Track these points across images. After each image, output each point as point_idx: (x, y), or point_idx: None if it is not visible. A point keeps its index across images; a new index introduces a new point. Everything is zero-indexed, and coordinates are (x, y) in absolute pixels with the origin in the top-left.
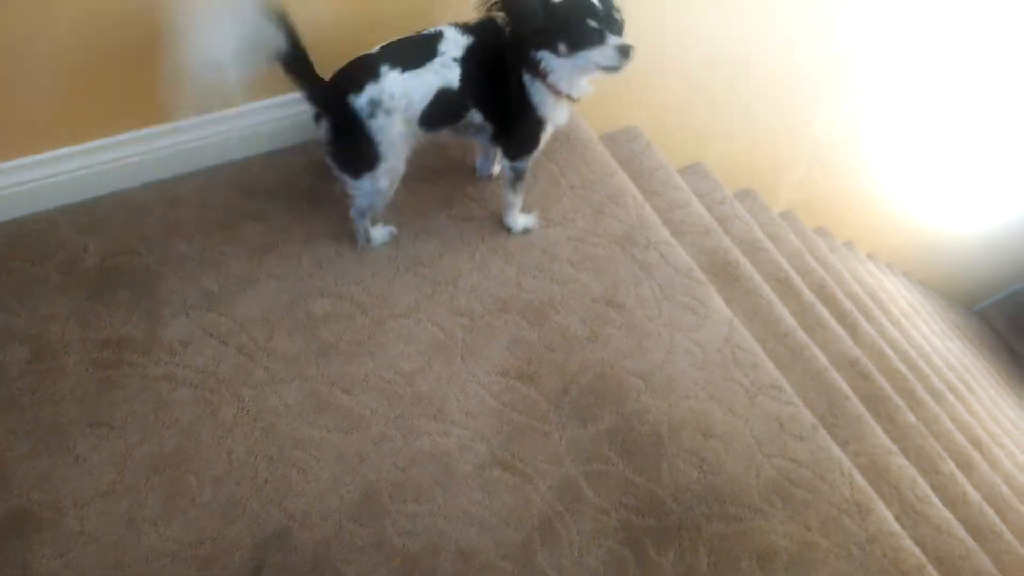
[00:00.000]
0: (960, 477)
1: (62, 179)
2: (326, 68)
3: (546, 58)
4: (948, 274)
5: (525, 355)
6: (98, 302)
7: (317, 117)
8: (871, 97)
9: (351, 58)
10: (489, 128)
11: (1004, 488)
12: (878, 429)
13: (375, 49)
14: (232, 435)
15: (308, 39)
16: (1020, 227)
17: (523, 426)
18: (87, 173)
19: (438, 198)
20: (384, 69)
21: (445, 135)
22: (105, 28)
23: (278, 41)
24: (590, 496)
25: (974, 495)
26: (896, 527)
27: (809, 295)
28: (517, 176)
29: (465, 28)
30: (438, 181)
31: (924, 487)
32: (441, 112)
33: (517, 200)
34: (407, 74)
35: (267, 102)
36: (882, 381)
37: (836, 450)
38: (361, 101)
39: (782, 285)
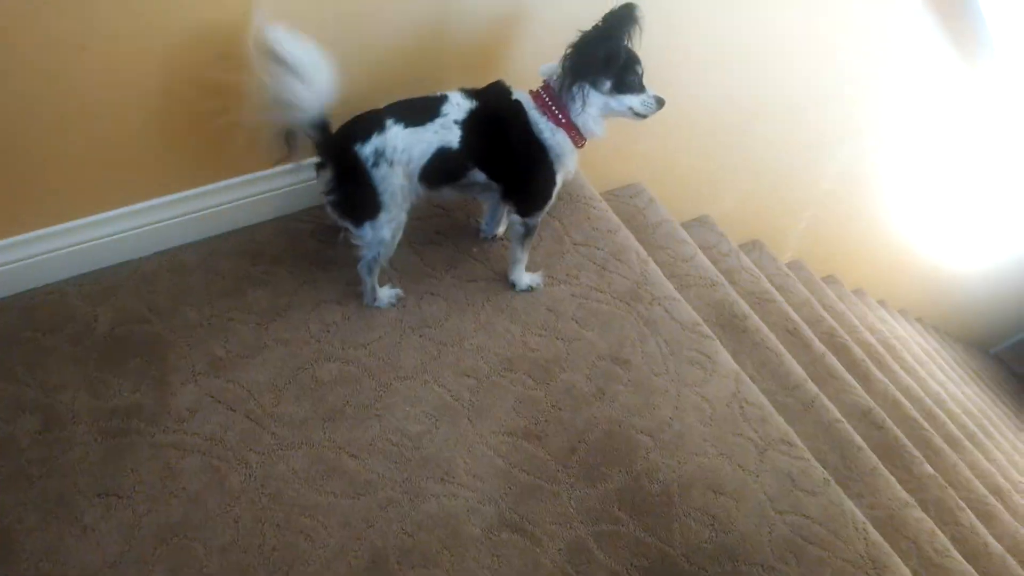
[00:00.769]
0: (981, 528)
1: (71, 251)
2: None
3: (589, 92)
4: (963, 317)
5: (532, 414)
6: (107, 371)
7: (319, 167)
8: (877, 140)
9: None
10: (496, 187)
11: None
12: (893, 481)
13: (382, 106)
14: (239, 502)
15: None
16: None
17: (531, 487)
18: (96, 244)
19: (443, 259)
20: (389, 122)
21: (448, 193)
22: (114, 103)
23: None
24: (601, 558)
25: (996, 547)
26: None
27: (819, 345)
28: (528, 232)
29: (470, 93)
30: (443, 242)
31: (943, 540)
32: (440, 170)
33: (524, 256)
34: (409, 129)
35: (271, 170)
36: (897, 431)
37: (849, 504)
38: (366, 150)
39: (791, 336)
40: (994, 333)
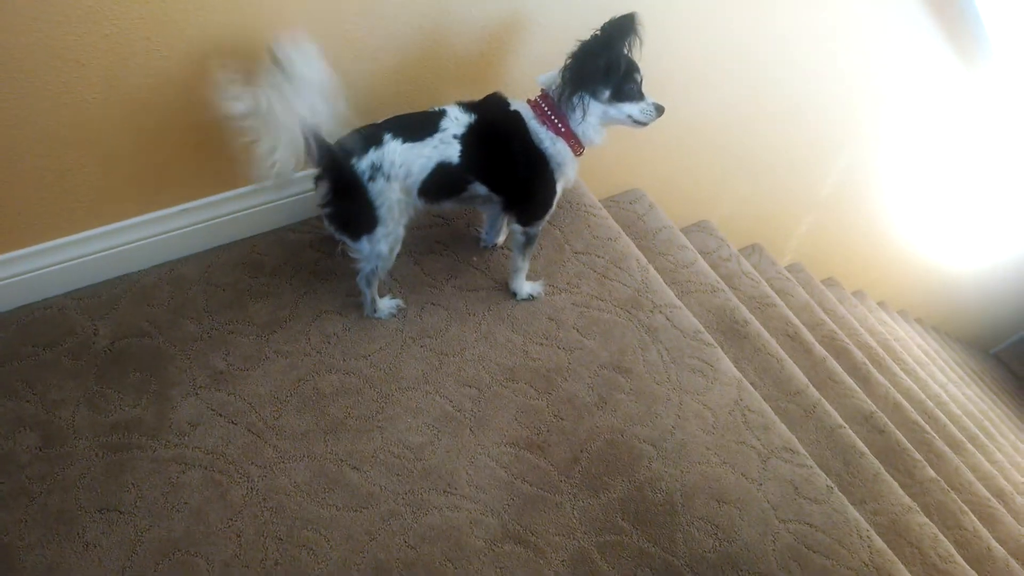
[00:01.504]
0: (984, 532)
1: (70, 265)
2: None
3: (589, 101)
4: (962, 318)
5: (534, 424)
6: (108, 385)
7: (317, 179)
8: (876, 142)
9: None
10: (497, 199)
11: None
12: (896, 486)
13: (380, 120)
14: (241, 516)
15: None
16: None
17: (534, 497)
18: (95, 258)
19: (444, 269)
20: (387, 137)
21: (449, 206)
22: (112, 117)
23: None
24: (604, 568)
25: (999, 550)
26: None
27: (820, 349)
28: (529, 241)
29: (468, 106)
30: (443, 252)
31: (946, 545)
32: (440, 185)
33: (525, 265)
34: (407, 145)
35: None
36: (898, 435)
37: (853, 512)
38: (363, 164)
39: (792, 341)
40: (993, 333)
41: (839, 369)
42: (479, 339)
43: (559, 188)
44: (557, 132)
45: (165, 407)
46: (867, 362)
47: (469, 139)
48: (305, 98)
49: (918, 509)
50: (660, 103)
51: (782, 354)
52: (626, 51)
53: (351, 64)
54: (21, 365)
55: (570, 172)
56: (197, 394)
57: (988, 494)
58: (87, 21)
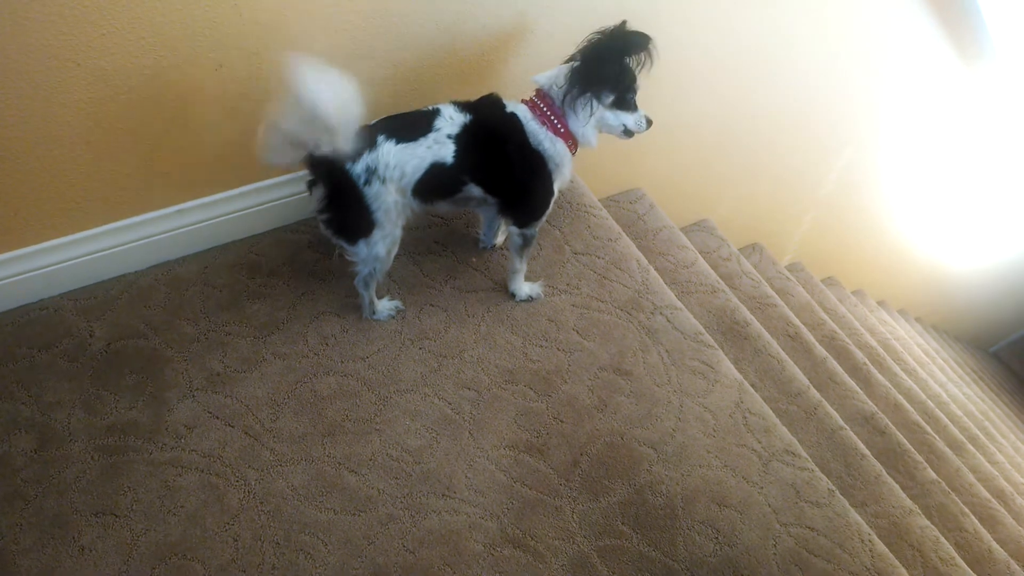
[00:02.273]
0: (985, 534)
1: (66, 266)
2: None
3: (593, 104)
4: (962, 316)
5: (533, 427)
6: (104, 387)
7: (311, 185)
8: (877, 141)
9: None
10: (493, 201)
11: None
12: (897, 488)
13: (373, 121)
14: (238, 520)
15: None
16: None
17: (533, 501)
18: (91, 259)
19: (442, 270)
20: (381, 139)
21: (444, 207)
22: (108, 117)
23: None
24: (605, 573)
25: (1000, 552)
26: None
27: (820, 350)
28: (526, 242)
29: (463, 106)
30: (442, 253)
31: (947, 547)
32: (434, 186)
33: (523, 266)
34: (401, 145)
35: (268, 181)
36: (899, 436)
37: (854, 515)
38: (358, 168)
39: (792, 341)
40: (993, 331)
41: (840, 370)
42: (478, 341)
43: (556, 188)
44: (556, 132)
45: (161, 409)
46: (867, 362)
47: (464, 139)
48: (317, 123)
49: (919, 512)
50: (650, 116)
51: (783, 355)
52: (631, 63)
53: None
54: (16, 367)
55: (567, 172)
56: (194, 396)
57: (989, 495)
58: (83, 22)
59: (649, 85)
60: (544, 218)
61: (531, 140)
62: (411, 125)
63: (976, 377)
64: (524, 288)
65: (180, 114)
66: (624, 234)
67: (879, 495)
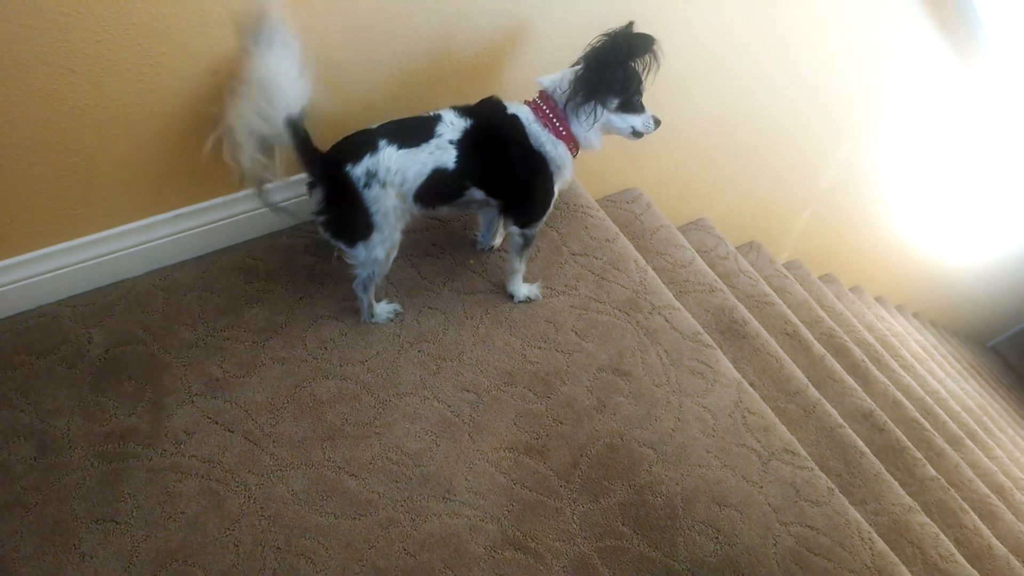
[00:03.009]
0: (984, 530)
1: (63, 272)
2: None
3: (597, 110)
4: (960, 311)
5: (533, 429)
6: (102, 394)
7: (311, 187)
8: (874, 138)
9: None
10: (494, 203)
11: None
12: (896, 486)
13: (374, 126)
14: (239, 526)
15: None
16: None
17: (533, 503)
18: (88, 265)
19: (440, 272)
20: (382, 143)
21: (444, 211)
22: (104, 123)
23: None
24: (605, 574)
25: (1000, 548)
26: None
27: (818, 347)
28: (526, 242)
29: (464, 111)
30: (440, 255)
31: (947, 544)
32: (437, 191)
33: (522, 267)
34: (403, 151)
35: (267, 186)
36: (898, 432)
37: (854, 513)
38: (358, 171)
39: (790, 339)
40: (991, 326)
41: (838, 367)
42: (477, 343)
43: (557, 190)
44: (558, 135)
45: (160, 415)
46: (866, 359)
47: (466, 144)
48: (267, 90)
49: (919, 509)
50: (658, 117)
51: (781, 353)
52: (636, 67)
53: (349, 67)
54: (15, 374)
55: (568, 174)
56: (193, 402)
57: (988, 491)
58: (78, 28)
59: (646, 84)
60: (544, 218)
61: (533, 142)
62: (413, 130)
63: (974, 372)
64: (522, 289)
65: (176, 118)
66: (621, 234)
67: (878, 492)
